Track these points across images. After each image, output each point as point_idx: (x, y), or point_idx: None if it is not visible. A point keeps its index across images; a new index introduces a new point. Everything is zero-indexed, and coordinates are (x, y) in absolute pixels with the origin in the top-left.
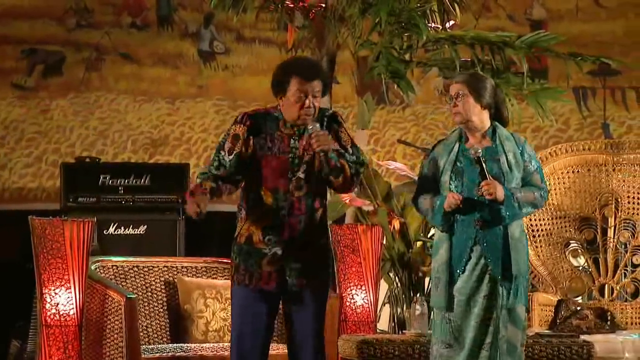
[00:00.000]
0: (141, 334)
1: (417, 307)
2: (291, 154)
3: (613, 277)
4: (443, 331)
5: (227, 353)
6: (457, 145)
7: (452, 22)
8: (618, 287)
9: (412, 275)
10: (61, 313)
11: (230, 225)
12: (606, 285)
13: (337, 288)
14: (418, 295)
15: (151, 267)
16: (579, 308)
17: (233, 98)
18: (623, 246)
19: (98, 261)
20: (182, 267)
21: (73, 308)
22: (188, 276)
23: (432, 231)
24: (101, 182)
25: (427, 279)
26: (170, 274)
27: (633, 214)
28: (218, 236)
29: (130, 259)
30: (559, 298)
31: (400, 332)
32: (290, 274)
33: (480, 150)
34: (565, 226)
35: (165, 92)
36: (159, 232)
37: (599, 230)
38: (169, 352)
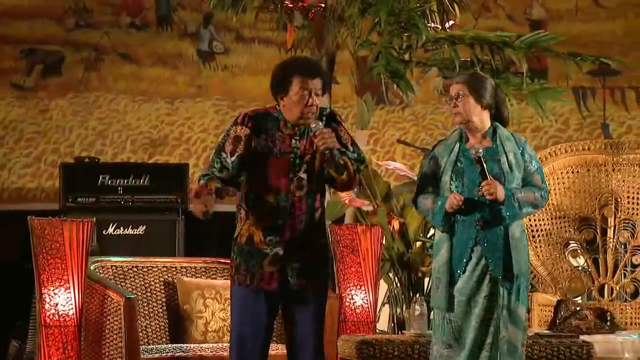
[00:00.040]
0: (140, 334)
1: (417, 307)
2: (292, 154)
3: (613, 277)
4: (443, 331)
5: (226, 353)
6: (457, 146)
7: (451, 22)
8: (618, 288)
9: (411, 276)
10: (60, 313)
11: (229, 226)
12: (606, 286)
13: (336, 288)
14: (417, 295)
15: (150, 268)
16: (578, 308)
17: (232, 98)
18: (623, 246)
19: (97, 261)
20: (182, 267)
21: (72, 308)
22: (187, 276)
23: (432, 231)
24: (100, 182)
25: (426, 279)
26: (169, 274)
27: (633, 214)
28: (217, 236)
29: (130, 259)
30: (559, 298)
31: (399, 333)
32: (292, 274)
33: (481, 151)
34: (565, 226)
35: (165, 92)
36: (158, 232)
37: (598, 231)
38: (168, 352)
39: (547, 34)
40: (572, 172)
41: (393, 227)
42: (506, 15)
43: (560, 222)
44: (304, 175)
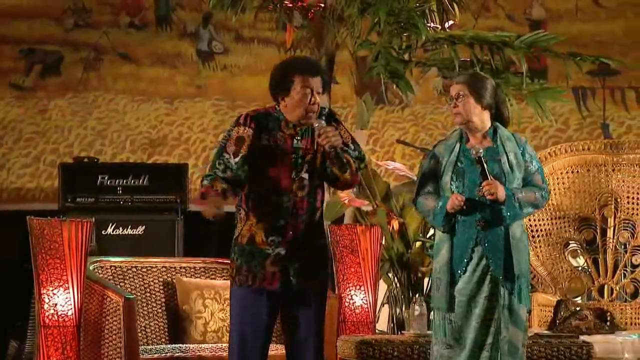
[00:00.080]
0: (139, 334)
1: (416, 307)
2: (294, 154)
3: (612, 277)
4: (444, 332)
5: (225, 354)
6: (457, 146)
7: (451, 22)
8: (617, 288)
9: (411, 276)
10: (59, 313)
11: (228, 226)
12: (605, 286)
13: (336, 288)
14: (417, 295)
15: (150, 268)
16: (578, 308)
17: (232, 98)
18: (622, 246)
19: (96, 261)
20: (181, 267)
21: (71, 308)
22: (186, 276)
23: (431, 231)
24: (99, 182)
25: (426, 280)
26: (168, 275)
27: (632, 214)
28: (216, 236)
29: (129, 259)
30: (559, 298)
31: (399, 333)
32: (294, 274)
33: (481, 151)
34: (565, 226)
35: (164, 92)
36: (158, 233)
37: (598, 231)
38: (167, 352)
39: (547, 34)
40: (572, 172)
41: (392, 227)
42: (506, 15)
43: (560, 222)
44: (305, 175)
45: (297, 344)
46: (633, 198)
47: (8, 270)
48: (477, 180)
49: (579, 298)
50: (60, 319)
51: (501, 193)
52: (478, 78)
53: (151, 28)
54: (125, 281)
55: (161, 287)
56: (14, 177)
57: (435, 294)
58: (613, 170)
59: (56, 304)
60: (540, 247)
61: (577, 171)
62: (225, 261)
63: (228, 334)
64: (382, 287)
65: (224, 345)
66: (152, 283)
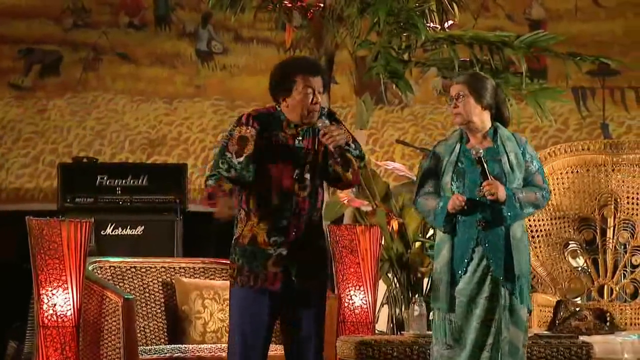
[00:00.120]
0: (139, 335)
1: (416, 307)
2: (296, 154)
3: (612, 277)
4: (444, 332)
5: (224, 354)
6: (458, 146)
7: (450, 22)
8: (617, 288)
9: (410, 276)
10: (58, 314)
11: (227, 226)
12: (605, 286)
13: (335, 289)
14: (417, 296)
15: (149, 268)
16: (578, 309)
17: (231, 98)
18: (622, 247)
19: (95, 262)
20: (180, 267)
21: (70, 309)
22: (186, 277)
23: (431, 231)
24: (98, 182)
25: (425, 280)
26: (168, 275)
27: (632, 214)
28: (216, 237)
29: (128, 259)
30: (558, 299)
31: (398, 333)
32: (295, 275)
33: (481, 151)
34: (565, 227)
35: (163, 92)
36: (157, 233)
37: (598, 231)
38: (166, 353)
39: (547, 34)
40: (572, 172)
41: (392, 228)
42: (505, 15)
43: (559, 223)
44: (307, 176)
45: (297, 344)
46: (633, 198)
47: (7, 271)
48: (477, 181)
49: (579, 298)
50: (59, 320)
51: (502, 193)
52: (478, 78)
53: (150, 28)
54: (125, 281)
55: (160, 288)
56: (13, 177)
57: (436, 295)
58: (613, 170)
59: (55, 304)
60: (540, 247)
61: (577, 171)
62: (224, 261)
63: (227, 335)
64: (382, 287)
65: (223, 345)
66: (151, 283)
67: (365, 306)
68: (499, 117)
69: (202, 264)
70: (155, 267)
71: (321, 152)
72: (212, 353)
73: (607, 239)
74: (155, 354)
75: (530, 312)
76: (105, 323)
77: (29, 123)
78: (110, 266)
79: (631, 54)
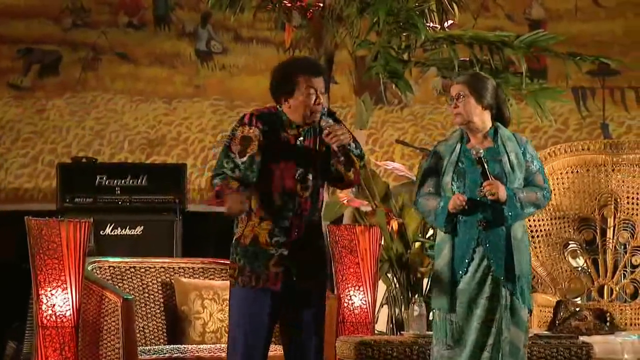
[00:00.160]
0: (138, 335)
1: (416, 308)
2: (298, 154)
3: (612, 278)
4: (444, 332)
5: (224, 354)
6: (458, 146)
7: (450, 22)
8: (617, 288)
9: (410, 276)
10: (57, 314)
11: (227, 226)
12: (605, 286)
13: (335, 289)
14: (416, 296)
15: (148, 268)
16: (578, 309)
17: (230, 98)
18: (622, 247)
19: (95, 262)
20: (179, 267)
21: (69, 309)
22: (185, 277)
23: (431, 232)
24: (98, 182)
25: (425, 280)
26: (167, 275)
27: (632, 214)
28: (215, 237)
29: (127, 259)
30: (558, 299)
31: (398, 333)
32: (296, 275)
33: (481, 151)
34: (565, 227)
35: (162, 92)
36: (156, 233)
37: (598, 231)
38: (165, 353)
39: (547, 34)
40: (572, 172)
41: (392, 228)
42: (505, 14)
43: (559, 223)
44: (309, 176)
45: (297, 344)
46: (633, 198)
47: (6, 271)
48: (478, 181)
49: (579, 298)
50: (59, 320)
51: (502, 193)
52: (479, 78)
53: (150, 28)
54: (124, 282)
55: (160, 288)
56: (12, 177)
57: (436, 295)
58: (613, 170)
59: (54, 305)
60: (539, 247)
61: (577, 171)
62: (224, 261)
63: (227, 335)
64: (381, 287)
65: (222, 345)
66: (150, 283)
67: (364, 306)
68: (499, 117)
69: (202, 264)
70: (155, 267)
71: (323, 152)
72: (212, 353)
73: (607, 239)
74: (154, 354)
75: (530, 312)
76: (105, 323)
77: (28, 123)
78: (109, 266)
79: (631, 54)
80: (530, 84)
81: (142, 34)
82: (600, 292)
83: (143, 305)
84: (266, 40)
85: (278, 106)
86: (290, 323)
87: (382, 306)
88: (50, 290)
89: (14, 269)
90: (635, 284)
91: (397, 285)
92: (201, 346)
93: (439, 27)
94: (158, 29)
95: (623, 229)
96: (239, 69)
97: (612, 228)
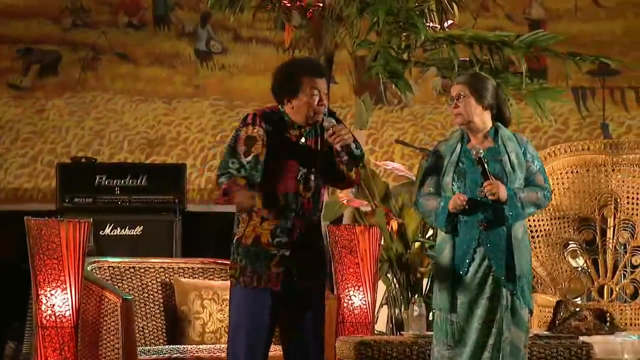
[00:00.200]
0: (137, 335)
1: (415, 308)
2: (301, 155)
3: (612, 278)
4: (445, 332)
5: (223, 355)
6: (459, 146)
7: (450, 22)
8: (617, 288)
9: (410, 276)
10: (57, 314)
11: (227, 226)
12: (605, 286)
13: (334, 289)
14: (416, 296)
15: (148, 268)
16: (577, 309)
17: (230, 98)
18: (622, 247)
19: (94, 262)
20: (179, 268)
21: (69, 309)
22: (185, 277)
23: (430, 232)
24: (97, 182)
25: (425, 280)
26: (166, 275)
27: (632, 214)
28: (215, 237)
29: (127, 259)
30: (558, 299)
31: (398, 334)
32: (297, 275)
33: (481, 151)
34: (564, 227)
35: (162, 92)
36: (156, 233)
37: (598, 231)
38: (165, 353)
39: (547, 34)
40: (572, 172)
41: (391, 228)
42: (505, 14)
43: (559, 223)
44: (311, 176)
45: (297, 345)
46: (633, 198)
47: (6, 271)
48: (478, 181)
49: (579, 299)
50: (58, 320)
51: (503, 193)
52: (479, 78)
53: (149, 28)
54: (123, 282)
55: (159, 288)
56: (12, 177)
57: (437, 295)
58: (613, 170)
59: (54, 305)
60: (539, 247)
61: (577, 171)
62: (223, 262)
63: (227, 335)
64: (381, 287)
65: (222, 346)
66: (150, 284)
67: (364, 306)
68: (499, 117)
69: (201, 264)
70: (154, 267)
71: (324, 152)
72: (211, 353)
73: (607, 239)
74: (154, 354)
75: (531, 312)
76: (104, 323)
77: (28, 123)
78: (109, 266)
79: (631, 54)
80: (530, 84)
81: (142, 34)
82: (600, 292)
83: (142, 305)
84: (266, 40)
85: (280, 106)
86: (290, 323)
87: (382, 306)
88: (50, 291)
89: (14, 269)
90: (635, 284)
91: (397, 286)
92: (201, 346)
93: (438, 27)
94: (158, 29)
95: (623, 229)
96: (238, 69)
97: (612, 228)
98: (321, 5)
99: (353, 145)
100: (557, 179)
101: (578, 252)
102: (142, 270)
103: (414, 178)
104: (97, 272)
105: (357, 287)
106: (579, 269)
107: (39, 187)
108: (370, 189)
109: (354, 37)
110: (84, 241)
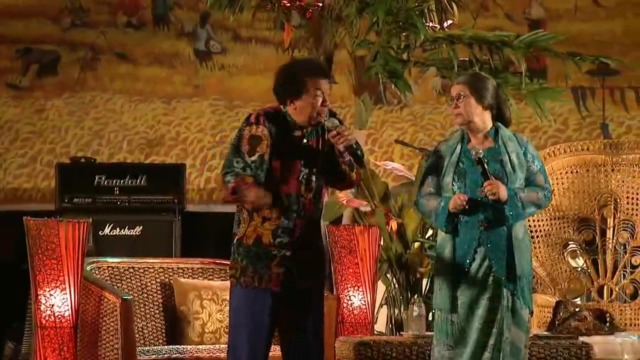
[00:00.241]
0: (137, 335)
1: (415, 308)
2: (303, 155)
3: (612, 278)
4: (446, 333)
5: (223, 355)
6: (459, 147)
7: (450, 22)
8: (617, 289)
9: (409, 277)
10: (56, 314)
11: (226, 226)
12: (605, 287)
13: (334, 289)
14: (416, 296)
15: (147, 268)
16: (577, 309)
17: (229, 98)
18: (622, 247)
19: (93, 262)
20: (178, 268)
21: (68, 309)
22: (184, 277)
23: (430, 232)
24: (96, 182)
25: (424, 280)
26: (166, 275)
27: (632, 214)
28: (214, 237)
29: (126, 260)
30: (558, 299)
31: (397, 334)
32: (297, 275)
33: (481, 151)
34: (564, 227)
35: (161, 92)
36: (155, 233)
37: (597, 231)
38: (164, 354)
39: (546, 34)
40: (571, 172)
41: (391, 228)
42: (505, 14)
43: (559, 223)
44: (313, 177)
45: (298, 345)
46: (632, 198)
47: (5, 271)
48: (478, 181)
49: (578, 299)
50: (57, 320)
51: (503, 193)
52: (479, 78)
53: (149, 28)
54: (123, 282)
55: (159, 288)
56: (11, 177)
57: (438, 295)
58: (612, 170)
59: (53, 305)
60: (539, 247)
61: (577, 171)
62: (223, 262)
63: (226, 335)
64: (381, 287)
65: (221, 346)
66: (149, 284)
67: (364, 307)
68: (499, 117)
69: (201, 264)
70: (154, 267)
71: (325, 153)
72: (211, 354)
73: (607, 239)
74: (153, 354)
75: (531, 312)
76: (103, 324)
77: (27, 123)
78: (108, 267)
79: (631, 54)
80: (530, 84)
81: (141, 33)
82: (600, 292)
83: (142, 305)
84: (265, 40)
85: (282, 107)
86: (290, 324)
87: (382, 306)
88: (49, 291)
89: (13, 269)
90: (635, 285)
91: (397, 286)
92: (200, 346)
93: (438, 27)
94: (157, 29)
95: (623, 229)
96: (238, 69)
97: (611, 228)
98: (320, 5)
99: (355, 146)
100: (556, 179)
101: (578, 252)
102: (142, 270)
103: (414, 178)
104: (97, 272)
105: (356, 288)
106: (579, 269)
107: (38, 187)
108: (370, 189)
109: (354, 37)
110: (83, 241)
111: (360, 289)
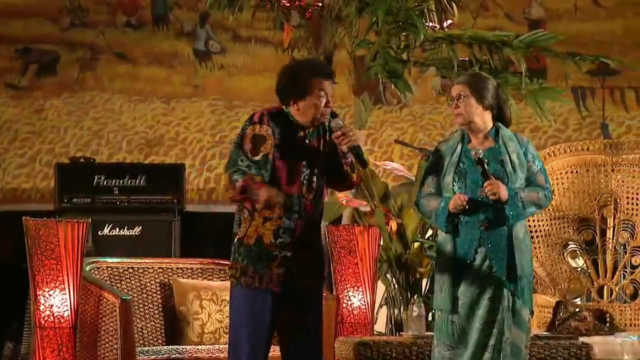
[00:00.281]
0: (136, 335)
1: (415, 308)
2: (305, 156)
3: (612, 278)
4: (446, 333)
5: (222, 355)
6: (459, 147)
7: (449, 22)
8: (617, 289)
9: (409, 277)
10: (55, 315)
11: (226, 226)
12: (605, 287)
13: (333, 289)
14: (415, 296)
15: (146, 269)
16: (577, 310)
17: (229, 98)
18: (622, 247)
19: (93, 262)
20: (178, 268)
21: (67, 310)
22: (183, 277)
23: (430, 232)
24: (96, 182)
25: (424, 280)
26: (165, 276)
27: (632, 214)
28: (214, 237)
29: (125, 260)
30: (558, 299)
31: (397, 334)
32: (297, 275)
33: (481, 152)
34: (564, 227)
35: (161, 92)
36: (154, 233)
37: (597, 231)
38: (164, 354)
39: (546, 34)
40: (571, 172)
41: (391, 228)
42: (505, 14)
43: (559, 223)
44: (314, 178)
45: (297, 345)
46: (632, 198)
47: (4, 271)
48: (478, 181)
49: (578, 299)
50: (56, 320)
51: (504, 193)
52: (479, 78)
53: (148, 27)
54: (122, 282)
55: (158, 288)
56: (10, 177)
57: (438, 296)
58: (612, 170)
59: (52, 305)
60: (539, 248)
61: (577, 171)
62: (222, 262)
63: (225, 336)
64: (380, 288)
65: (221, 346)
66: (148, 284)
67: (363, 307)
68: (500, 117)
69: (200, 264)
70: (153, 267)
71: (326, 154)
72: (210, 354)
73: (607, 239)
74: (152, 355)
75: (532, 313)
76: (103, 324)
77: (26, 123)
78: (107, 267)
79: (631, 54)
80: (530, 84)
81: (141, 33)
82: (600, 292)
83: (141, 305)
84: (265, 40)
85: (284, 107)
86: (289, 324)
87: (381, 307)
88: (48, 291)
89: (12, 269)
90: (635, 285)
91: (396, 286)
92: (199, 347)
93: (438, 26)
94: (156, 29)
95: (623, 230)
96: (237, 69)
97: (611, 228)
98: (320, 5)
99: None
100: (556, 179)
101: (578, 252)
102: (141, 270)
103: (413, 178)
104: (96, 272)
105: (356, 288)
106: (579, 269)
107: (37, 187)
108: (370, 189)
109: (353, 36)
110: (83, 241)
111: (360, 289)
